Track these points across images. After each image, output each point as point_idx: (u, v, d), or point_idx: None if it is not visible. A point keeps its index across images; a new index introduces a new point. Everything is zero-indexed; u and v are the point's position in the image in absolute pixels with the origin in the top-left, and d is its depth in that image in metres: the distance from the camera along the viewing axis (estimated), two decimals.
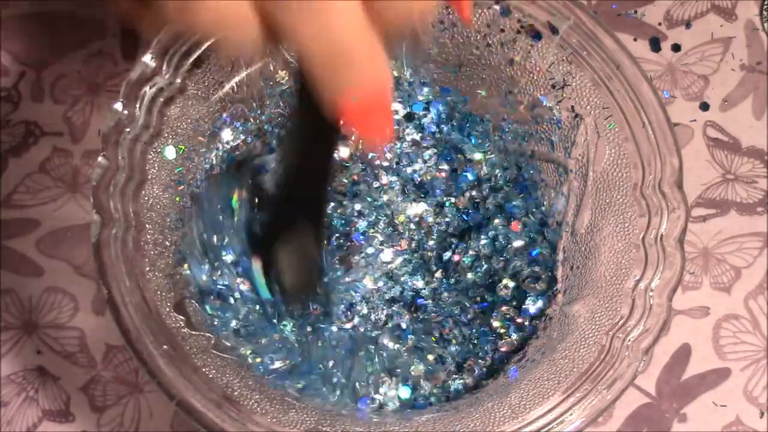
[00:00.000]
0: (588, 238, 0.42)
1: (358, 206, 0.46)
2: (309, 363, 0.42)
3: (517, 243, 0.46)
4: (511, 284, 0.45)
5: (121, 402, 0.48)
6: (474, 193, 0.47)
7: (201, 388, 0.37)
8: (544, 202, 0.46)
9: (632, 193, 0.40)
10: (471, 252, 0.46)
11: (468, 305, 0.45)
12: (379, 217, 0.46)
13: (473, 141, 0.47)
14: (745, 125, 0.52)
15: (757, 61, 0.53)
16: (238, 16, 0.26)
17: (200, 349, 0.38)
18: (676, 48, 0.53)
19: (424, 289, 0.46)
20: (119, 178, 0.39)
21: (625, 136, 0.41)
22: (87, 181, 0.50)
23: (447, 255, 0.46)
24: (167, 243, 0.40)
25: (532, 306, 0.45)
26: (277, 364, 0.42)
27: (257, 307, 0.42)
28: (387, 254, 0.46)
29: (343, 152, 0.46)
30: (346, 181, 0.46)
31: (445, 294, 0.46)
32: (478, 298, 0.46)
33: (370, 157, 0.44)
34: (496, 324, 0.45)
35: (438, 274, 0.46)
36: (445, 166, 0.47)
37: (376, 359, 0.44)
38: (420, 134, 0.47)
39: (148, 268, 0.38)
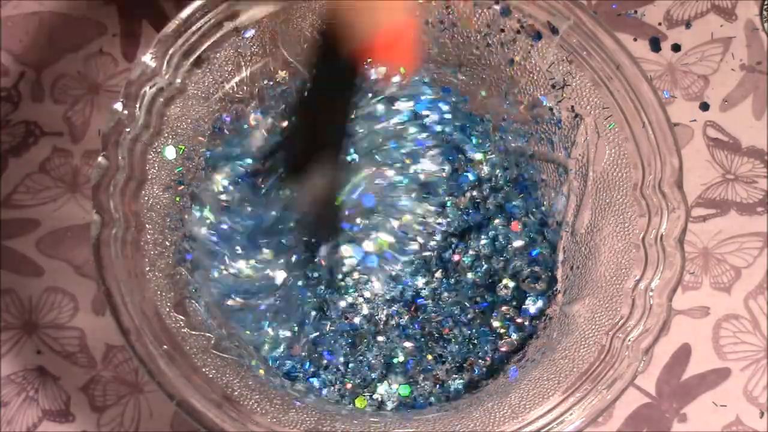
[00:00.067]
0: (588, 238, 0.42)
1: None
2: (290, 303, 0.43)
3: (517, 243, 0.46)
4: (511, 284, 0.45)
5: (121, 402, 0.48)
6: (474, 193, 0.47)
7: (201, 388, 0.37)
8: (544, 202, 0.46)
9: (632, 193, 0.40)
10: (471, 252, 0.46)
11: (468, 305, 0.45)
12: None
13: (473, 141, 0.47)
14: (745, 125, 0.52)
15: (757, 61, 0.53)
16: None
17: (200, 349, 0.38)
18: (676, 48, 0.53)
19: (424, 289, 0.46)
20: (119, 178, 0.39)
21: (625, 136, 0.41)
22: (87, 181, 0.50)
23: (447, 255, 0.46)
24: (167, 243, 0.40)
25: (532, 306, 0.45)
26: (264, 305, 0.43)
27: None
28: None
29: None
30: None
31: (445, 294, 0.46)
32: (478, 298, 0.46)
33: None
34: (496, 324, 0.45)
35: (438, 274, 0.46)
36: (447, 166, 0.47)
37: (376, 353, 0.44)
38: (425, 134, 0.46)
39: (148, 268, 0.38)
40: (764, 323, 0.49)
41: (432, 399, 0.44)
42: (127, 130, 0.39)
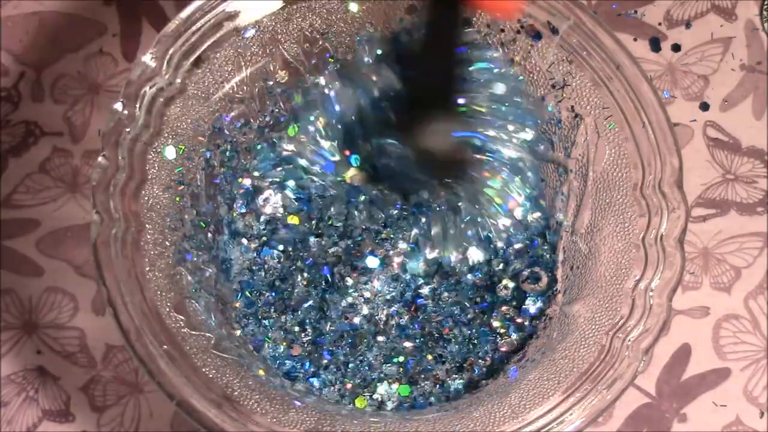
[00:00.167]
0: (588, 238, 0.42)
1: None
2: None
3: (518, 244, 0.46)
4: (511, 284, 0.45)
5: (121, 402, 0.48)
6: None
7: (201, 388, 0.37)
8: (544, 203, 0.46)
9: (632, 193, 0.40)
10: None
11: (468, 305, 0.45)
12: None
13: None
14: (745, 125, 0.52)
15: (757, 61, 0.53)
16: None
17: (200, 349, 0.38)
18: (676, 48, 0.53)
19: (424, 289, 0.46)
20: (119, 178, 0.39)
21: (625, 136, 0.41)
22: (87, 181, 0.50)
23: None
24: (167, 243, 0.40)
25: (532, 306, 0.45)
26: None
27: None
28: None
29: None
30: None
31: (445, 294, 0.46)
32: (478, 299, 0.46)
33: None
34: (496, 324, 0.45)
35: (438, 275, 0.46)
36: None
37: (376, 353, 0.44)
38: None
39: (148, 268, 0.38)
40: (764, 323, 0.49)
41: (432, 399, 0.44)
42: (127, 130, 0.39)
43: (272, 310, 0.45)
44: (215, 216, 0.44)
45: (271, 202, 0.46)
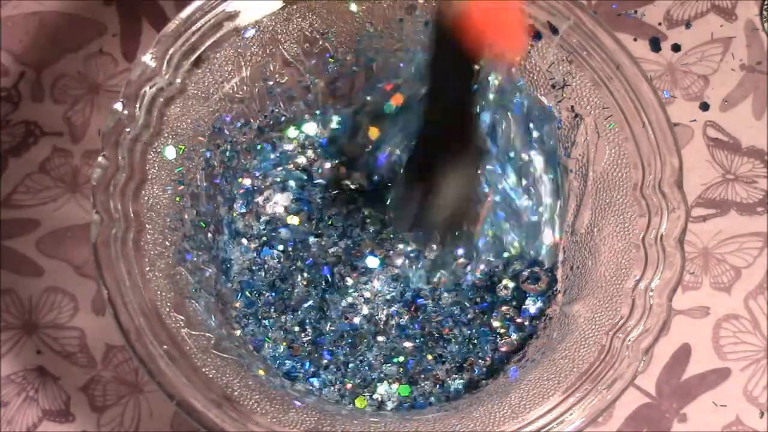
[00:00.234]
0: (588, 238, 0.42)
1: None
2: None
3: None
4: (511, 284, 0.45)
5: (121, 402, 0.48)
6: None
7: (201, 388, 0.37)
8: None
9: (632, 193, 0.40)
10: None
11: (468, 305, 0.45)
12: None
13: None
14: (745, 125, 0.52)
15: (757, 61, 0.53)
16: None
17: (200, 349, 0.38)
18: (676, 48, 0.53)
19: (424, 288, 0.46)
20: (119, 178, 0.39)
21: (625, 136, 0.41)
22: (87, 181, 0.50)
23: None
24: (167, 243, 0.40)
25: (532, 306, 0.45)
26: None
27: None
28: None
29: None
30: None
31: (445, 294, 0.46)
32: (478, 299, 0.46)
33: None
34: (496, 324, 0.45)
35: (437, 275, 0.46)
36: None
37: (376, 353, 0.44)
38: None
39: (148, 268, 0.38)
40: (764, 323, 0.49)
41: (432, 399, 0.44)
42: (127, 130, 0.39)
43: (272, 310, 0.45)
44: (215, 216, 0.44)
45: (271, 202, 0.46)
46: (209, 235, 0.44)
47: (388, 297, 0.45)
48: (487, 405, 0.39)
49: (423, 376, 0.44)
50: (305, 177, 0.47)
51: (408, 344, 0.45)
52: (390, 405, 0.44)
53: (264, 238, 0.46)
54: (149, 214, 0.39)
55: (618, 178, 0.41)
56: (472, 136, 0.39)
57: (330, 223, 0.46)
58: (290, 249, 0.46)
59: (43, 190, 0.51)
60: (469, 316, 0.45)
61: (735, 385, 0.48)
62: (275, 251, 0.46)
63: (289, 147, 0.47)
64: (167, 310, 0.38)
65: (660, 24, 0.54)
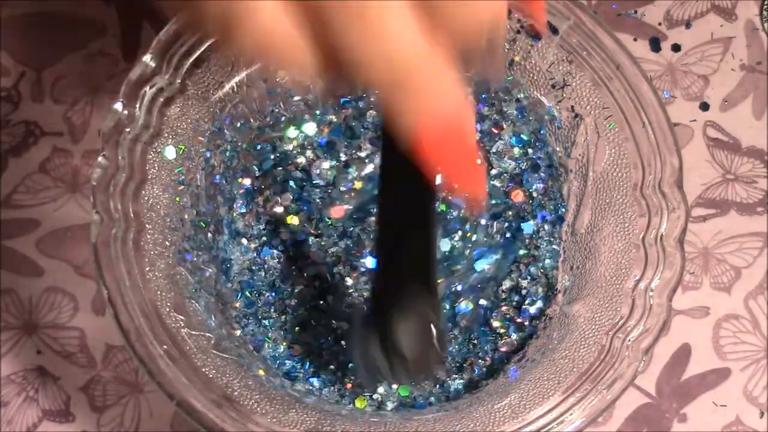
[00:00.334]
0: (588, 238, 0.42)
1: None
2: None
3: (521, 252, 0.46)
4: (511, 284, 0.45)
5: (121, 402, 0.48)
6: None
7: (201, 388, 0.37)
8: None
9: (632, 193, 0.40)
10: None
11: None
12: None
13: None
14: (745, 125, 0.52)
15: (757, 61, 0.53)
16: (285, 39, 0.24)
17: (200, 349, 0.38)
18: (676, 48, 0.53)
19: None
20: (119, 178, 0.39)
21: (625, 136, 0.41)
22: (87, 181, 0.50)
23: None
24: (167, 243, 0.40)
25: (532, 306, 0.45)
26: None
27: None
28: None
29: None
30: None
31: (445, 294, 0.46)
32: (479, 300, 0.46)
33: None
34: (496, 324, 0.45)
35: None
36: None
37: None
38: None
39: (148, 268, 0.38)
40: (764, 323, 0.49)
41: (432, 399, 0.44)
42: (127, 130, 0.39)
43: (272, 310, 0.45)
44: (215, 216, 0.44)
45: (271, 202, 0.46)
46: (209, 235, 0.44)
47: None
48: (487, 405, 0.39)
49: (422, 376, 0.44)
50: (305, 177, 0.47)
51: None
52: (390, 405, 0.44)
53: (264, 238, 0.46)
54: (149, 214, 0.39)
55: (618, 178, 0.41)
56: (429, 271, 0.34)
57: (330, 223, 0.46)
58: (290, 249, 0.46)
59: (43, 190, 0.51)
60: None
61: (735, 385, 0.48)
62: (275, 251, 0.46)
63: (289, 147, 0.47)
64: (167, 310, 0.38)
65: (660, 24, 0.54)
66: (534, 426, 0.37)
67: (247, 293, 0.45)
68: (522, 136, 0.46)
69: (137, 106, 0.39)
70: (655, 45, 0.53)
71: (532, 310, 0.45)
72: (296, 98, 0.46)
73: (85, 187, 0.50)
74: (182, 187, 0.41)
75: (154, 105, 0.40)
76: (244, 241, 0.46)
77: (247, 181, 0.46)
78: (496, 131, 0.46)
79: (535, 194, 0.46)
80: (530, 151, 0.46)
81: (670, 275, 0.39)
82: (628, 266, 0.40)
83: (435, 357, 0.35)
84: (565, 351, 0.40)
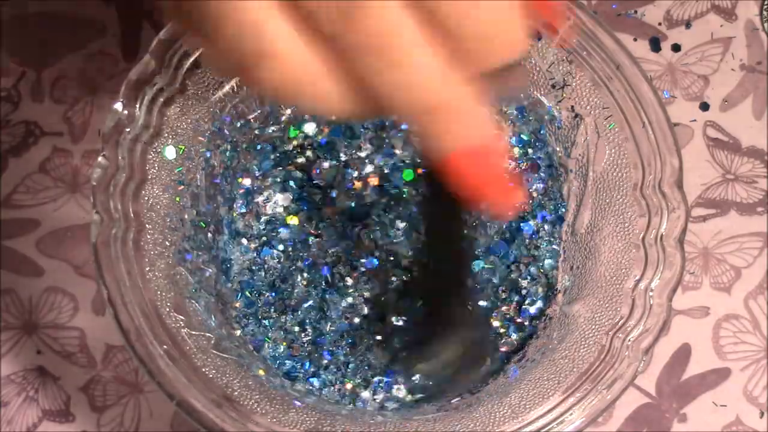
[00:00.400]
0: (588, 238, 0.42)
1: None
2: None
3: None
4: (511, 284, 0.45)
5: (121, 402, 0.48)
6: None
7: (201, 388, 0.37)
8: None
9: (632, 193, 0.40)
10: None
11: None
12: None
13: None
14: (745, 125, 0.52)
15: (757, 61, 0.53)
16: (311, 76, 0.24)
17: (200, 349, 0.38)
18: (676, 48, 0.53)
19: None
20: (119, 178, 0.39)
21: (625, 136, 0.41)
22: (87, 181, 0.50)
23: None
24: (167, 243, 0.40)
25: (532, 306, 0.45)
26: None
27: None
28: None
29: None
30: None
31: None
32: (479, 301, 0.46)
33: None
34: (496, 324, 0.45)
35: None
36: None
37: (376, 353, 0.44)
38: None
39: (148, 268, 0.38)
40: (764, 323, 0.49)
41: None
42: (127, 130, 0.39)
43: (272, 310, 0.45)
44: (215, 216, 0.44)
45: (271, 202, 0.46)
46: (209, 235, 0.44)
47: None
48: (487, 405, 0.39)
49: (423, 375, 0.44)
50: (305, 177, 0.47)
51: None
52: (390, 405, 0.44)
53: (264, 238, 0.46)
54: (149, 214, 0.39)
55: (618, 178, 0.41)
56: (466, 293, 0.37)
57: (329, 223, 0.46)
58: (290, 249, 0.46)
59: (43, 190, 0.51)
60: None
61: (735, 385, 0.48)
62: (275, 251, 0.46)
63: (289, 147, 0.47)
64: (167, 310, 0.38)
65: (660, 24, 0.54)
66: (534, 426, 0.37)
67: (247, 293, 0.45)
68: (522, 136, 0.46)
69: (137, 106, 0.39)
70: (655, 45, 0.53)
71: (532, 310, 0.45)
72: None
73: (85, 187, 0.50)
74: (182, 187, 0.41)
75: (154, 105, 0.40)
76: (244, 241, 0.46)
77: (247, 181, 0.46)
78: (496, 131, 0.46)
79: (535, 194, 0.46)
80: (530, 151, 0.46)
81: (670, 275, 0.39)
82: (628, 266, 0.40)
83: (477, 360, 0.39)
84: (565, 351, 0.40)
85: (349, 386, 0.44)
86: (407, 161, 0.45)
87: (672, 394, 0.48)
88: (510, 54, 0.25)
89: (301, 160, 0.47)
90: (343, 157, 0.46)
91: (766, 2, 0.54)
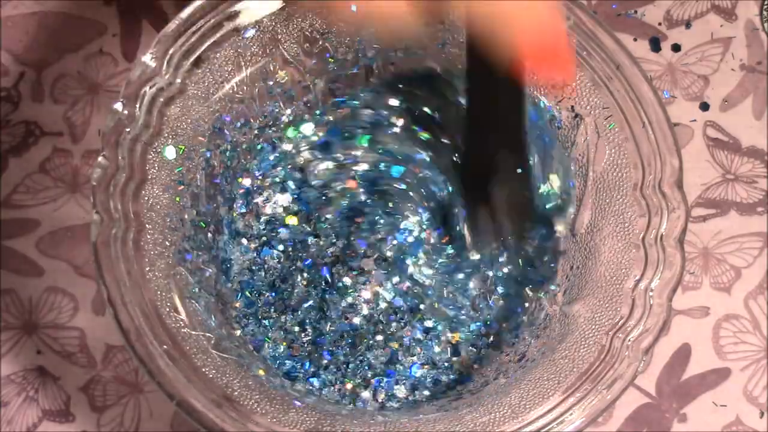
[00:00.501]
0: (588, 238, 0.42)
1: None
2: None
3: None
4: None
5: (121, 402, 0.48)
6: None
7: (201, 388, 0.37)
8: None
9: (632, 193, 0.40)
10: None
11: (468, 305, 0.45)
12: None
13: None
14: (745, 125, 0.52)
15: (757, 61, 0.53)
16: None
17: (200, 349, 0.38)
18: (676, 48, 0.53)
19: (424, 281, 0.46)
20: (119, 178, 0.39)
21: (625, 136, 0.41)
22: (87, 181, 0.50)
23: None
24: (167, 243, 0.40)
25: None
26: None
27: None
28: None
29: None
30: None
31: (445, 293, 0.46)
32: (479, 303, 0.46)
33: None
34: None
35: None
36: None
37: (376, 353, 0.44)
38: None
39: (148, 268, 0.38)
40: (764, 323, 0.49)
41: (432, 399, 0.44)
42: (127, 130, 0.39)
43: (272, 310, 0.45)
44: (215, 216, 0.44)
45: (271, 202, 0.46)
46: (209, 235, 0.44)
47: (387, 299, 0.45)
48: (487, 405, 0.39)
49: (423, 375, 0.44)
50: (303, 177, 0.47)
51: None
52: (390, 405, 0.44)
53: (264, 238, 0.46)
54: (149, 214, 0.39)
55: (618, 178, 0.41)
56: (521, 140, 0.40)
57: (327, 223, 0.46)
58: (290, 249, 0.46)
59: (43, 190, 0.51)
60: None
61: (735, 385, 0.48)
62: (275, 251, 0.46)
63: (288, 147, 0.47)
64: (167, 310, 0.38)
65: (660, 24, 0.54)
66: (534, 426, 0.37)
67: (247, 293, 0.45)
68: None
69: (137, 106, 0.39)
70: (655, 45, 0.53)
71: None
72: (297, 98, 0.46)
73: (85, 187, 0.50)
74: (182, 187, 0.41)
75: (154, 105, 0.40)
76: (244, 241, 0.46)
77: (247, 181, 0.46)
78: None
79: None
80: None
81: (670, 275, 0.39)
82: (628, 266, 0.40)
83: (530, 216, 0.42)
84: (565, 351, 0.40)
85: (349, 386, 0.44)
86: (400, 158, 0.45)
87: (672, 394, 0.48)
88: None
89: (299, 160, 0.47)
90: (340, 158, 0.46)
91: (766, 2, 0.54)
